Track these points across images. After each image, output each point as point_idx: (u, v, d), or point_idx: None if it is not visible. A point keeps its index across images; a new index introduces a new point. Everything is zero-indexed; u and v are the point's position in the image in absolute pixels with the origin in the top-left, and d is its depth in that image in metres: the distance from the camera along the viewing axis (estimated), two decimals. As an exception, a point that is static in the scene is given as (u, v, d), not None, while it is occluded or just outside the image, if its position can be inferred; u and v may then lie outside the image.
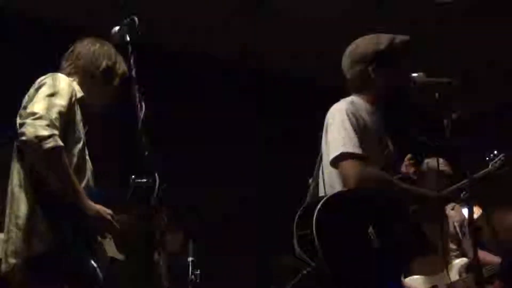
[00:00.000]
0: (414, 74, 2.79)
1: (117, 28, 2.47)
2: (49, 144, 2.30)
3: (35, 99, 2.42)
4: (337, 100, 2.88)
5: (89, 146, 2.68)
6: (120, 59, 2.80)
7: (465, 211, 4.40)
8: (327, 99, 2.93)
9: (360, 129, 2.72)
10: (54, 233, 2.32)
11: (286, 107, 6.21)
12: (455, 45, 5.81)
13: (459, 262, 4.13)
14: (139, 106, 2.31)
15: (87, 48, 2.77)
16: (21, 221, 2.35)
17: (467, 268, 4.13)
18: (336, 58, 3.00)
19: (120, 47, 2.66)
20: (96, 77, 2.73)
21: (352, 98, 2.88)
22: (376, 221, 2.57)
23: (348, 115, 2.73)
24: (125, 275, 2.77)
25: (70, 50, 2.79)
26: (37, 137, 2.30)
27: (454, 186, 2.98)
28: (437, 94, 2.64)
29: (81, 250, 2.40)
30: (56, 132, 2.35)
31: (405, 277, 4.21)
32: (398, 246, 2.61)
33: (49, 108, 2.39)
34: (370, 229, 2.55)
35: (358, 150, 2.66)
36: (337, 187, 2.72)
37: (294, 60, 6.16)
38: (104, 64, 2.74)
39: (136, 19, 2.41)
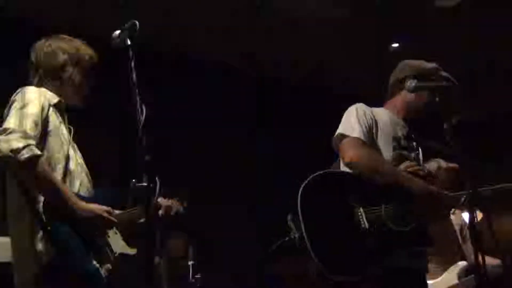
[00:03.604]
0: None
1: (117, 32, 2.46)
2: (25, 155, 2.30)
3: (7, 116, 2.43)
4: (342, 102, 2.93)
5: (81, 148, 2.68)
6: (75, 45, 2.71)
7: (465, 216, 4.38)
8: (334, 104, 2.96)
9: (367, 121, 2.79)
10: (55, 242, 2.34)
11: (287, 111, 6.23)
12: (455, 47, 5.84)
13: (458, 265, 4.13)
14: (139, 109, 2.30)
15: (40, 53, 2.69)
16: (23, 236, 2.38)
17: (466, 271, 4.13)
18: (336, 61, 3.01)
19: (121, 51, 2.64)
20: (61, 78, 2.67)
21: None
22: (369, 203, 2.60)
23: (356, 109, 2.83)
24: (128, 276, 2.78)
25: (29, 61, 2.71)
26: (12, 150, 2.29)
27: (461, 193, 2.91)
28: (437, 98, 2.63)
29: (81, 252, 2.41)
30: (31, 142, 2.35)
31: None
32: (392, 233, 2.60)
33: (21, 120, 2.39)
34: (360, 210, 2.58)
35: (357, 135, 2.72)
36: None
37: (294, 63, 6.18)
38: (61, 61, 2.67)
39: (137, 23, 2.40)
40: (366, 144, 2.72)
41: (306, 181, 2.61)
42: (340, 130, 2.79)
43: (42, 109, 2.49)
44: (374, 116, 2.83)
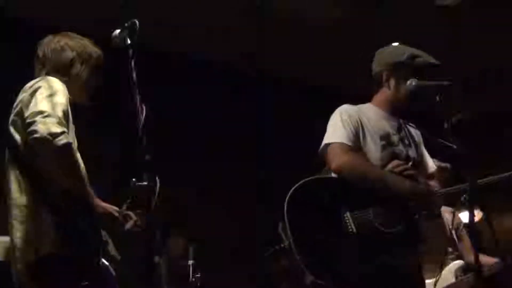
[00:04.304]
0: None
1: (118, 31, 2.46)
2: (62, 140, 2.29)
3: (35, 101, 2.38)
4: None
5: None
6: (84, 44, 2.70)
7: (461, 215, 4.39)
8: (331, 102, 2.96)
9: (353, 124, 2.77)
10: (58, 232, 2.32)
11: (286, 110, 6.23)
12: (455, 47, 5.83)
13: (455, 264, 4.13)
14: (139, 109, 2.30)
15: (48, 49, 2.67)
16: (24, 226, 2.36)
17: (464, 269, 4.13)
18: (335, 61, 3.02)
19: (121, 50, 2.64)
20: (68, 74, 2.65)
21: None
22: (356, 207, 2.60)
23: (341, 113, 2.81)
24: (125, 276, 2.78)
25: (36, 56, 2.69)
26: (50, 134, 2.27)
27: (454, 187, 2.93)
28: (437, 97, 2.63)
29: (97, 245, 2.43)
30: (65, 129, 2.34)
31: None
32: (381, 234, 2.61)
33: (53, 107, 2.37)
34: (347, 215, 2.58)
35: (340, 140, 2.71)
36: None
37: (294, 63, 6.17)
38: (70, 58, 2.65)
39: (137, 22, 2.40)
40: (351, 148, 2.71)
41: (292, 190, 2.60)
42: (325, 141, 2.78)
43: (67, 101, 2.48)
44: (359, 118, 2.81)
